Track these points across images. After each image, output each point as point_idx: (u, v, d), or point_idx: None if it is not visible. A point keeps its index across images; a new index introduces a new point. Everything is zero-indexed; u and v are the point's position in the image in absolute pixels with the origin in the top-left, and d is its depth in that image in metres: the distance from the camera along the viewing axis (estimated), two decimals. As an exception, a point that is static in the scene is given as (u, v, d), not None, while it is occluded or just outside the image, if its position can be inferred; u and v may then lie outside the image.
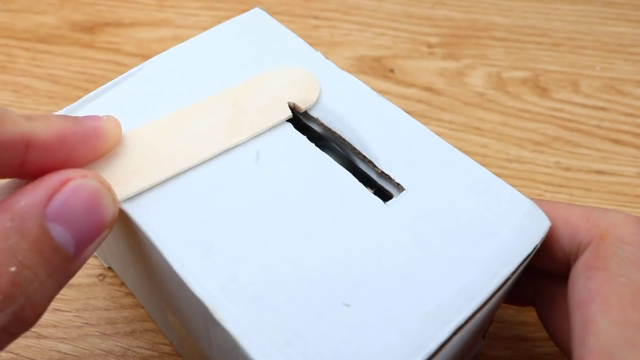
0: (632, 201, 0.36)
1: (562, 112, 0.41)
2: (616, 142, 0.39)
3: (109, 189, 0.19)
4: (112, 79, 0.25)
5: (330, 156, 0.23)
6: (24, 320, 0.17)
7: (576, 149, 0.39)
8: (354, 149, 0.23)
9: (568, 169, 0.38)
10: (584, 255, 0.21)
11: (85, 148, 0.20)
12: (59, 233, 0.18)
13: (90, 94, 0.24)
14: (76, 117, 0.20)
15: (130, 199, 0.21)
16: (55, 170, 0.19)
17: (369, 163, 0.23)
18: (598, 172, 0.38)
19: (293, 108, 0.24)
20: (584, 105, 0.41)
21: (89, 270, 0.32)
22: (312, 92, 0.25)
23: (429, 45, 0.45)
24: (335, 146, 0.24)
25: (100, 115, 0.21)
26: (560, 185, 0.37)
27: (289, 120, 0.24)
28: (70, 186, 0.18)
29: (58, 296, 0.30)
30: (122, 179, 0.21)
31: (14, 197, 0.18)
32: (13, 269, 0.17)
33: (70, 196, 0.18)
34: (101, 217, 0.19)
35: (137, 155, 0.22)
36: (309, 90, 0.25)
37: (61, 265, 0.18)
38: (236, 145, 0.23)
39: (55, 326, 0.30)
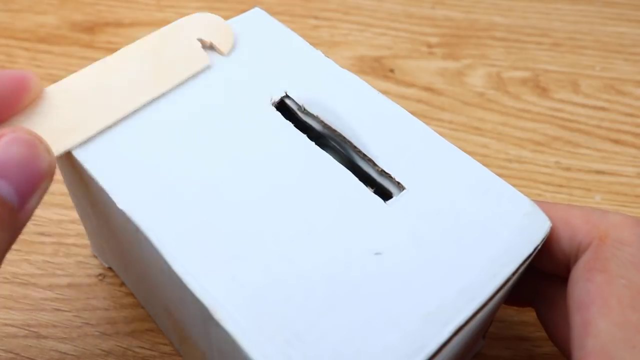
0: (632, 201, 0.36)
1: (562, 112, 0.41)
2: (616, 142, 0.39)
3: (40, 140, 0.20)
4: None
5: (330, 154, 0.23)
6: None
7: (576, 149, 0.39)
8: (354, 147, 0.23)
9: (568, 169, 0.38)
10: (584, 256, 0.21)
11: (10, 97, 0.21)
12: (2, 186, 0.18)
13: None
14: None
15: (129, 198, 0.21)
16: None
17: (369, 162, 0.23)
18: (598, 172, 0.38)
19: (290, 107, 0.24)
20: (584, 105, 0.41)
21: (89, 270, 0.32)
22: (228, 36, 0.26)
23: (429, 45, 0.45)
24: (335, 144, 0.24)
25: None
26: (560, 185, 0.37)
27: (288, 119, 0.24)
28: (3, 140, 0.19)
29: (58, 296, 0.30)
30: (56, 134, 0.22)
31: None
32: None
33: (5, 150, 0.19)
34: (38, 165, 0.19)
35: (67, 109, 0.23)
36: (224, 34, 0.26)
37: (7, 217, 0.18)
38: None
39: (55, 326, 0.30)
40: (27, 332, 0.29)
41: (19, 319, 0.29)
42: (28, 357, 0.28)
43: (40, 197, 0.20)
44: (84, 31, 0.44)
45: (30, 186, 0.19)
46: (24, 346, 0.29)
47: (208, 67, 0.25)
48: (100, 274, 0.32)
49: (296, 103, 0.25)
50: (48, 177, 0.20)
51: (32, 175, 0.19)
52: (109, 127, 0.23)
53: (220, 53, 0.26)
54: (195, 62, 0.25)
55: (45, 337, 0.29)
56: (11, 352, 0.29)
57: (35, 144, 0.19)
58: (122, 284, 0.31)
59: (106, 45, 0.43)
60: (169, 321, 0.26)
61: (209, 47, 0.26)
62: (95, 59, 0.41)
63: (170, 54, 0.25)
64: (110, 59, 0.24)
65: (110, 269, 0.32)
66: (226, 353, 0.20)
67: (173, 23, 0.26)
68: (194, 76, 0.25)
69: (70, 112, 0.23)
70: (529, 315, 0.31)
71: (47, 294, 0.30)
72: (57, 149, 0.22)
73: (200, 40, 0.25)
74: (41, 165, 0.19)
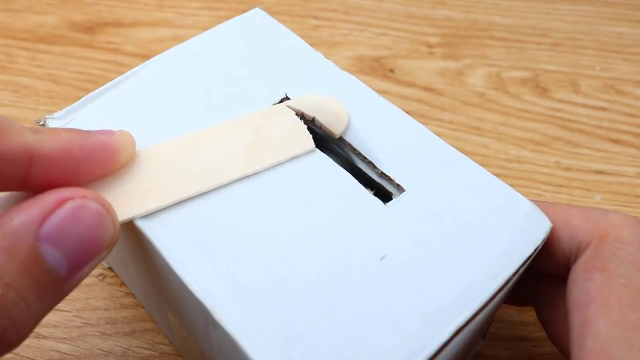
0: (632, 201, 0.36)
1: (562, 112, 0.41)
2: (616, 142, 0.39)
3: (109, 211, 0.18)
4: (112, 79, 0.25)
5: (330, 157, 0.23)
6: (6, 341, 0.17)
7: (576, 149, 0.39)
8: (354, 149, 0.23)
9: (568, 169, 0.38)
10: (584, 256, 0.21)
11: (94, 163, 0.20)
12: (52, 254, 0.17)
13: (91, 94, 0.24)
14: (86, 131, 0.20)
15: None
16: (62, 185, 0.19)
17: (369, 164, 0.23)
18: (598, 172, 0.38)
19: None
20: (584, 105, 0.41)
21: (89, 270, 0.32)
22: (341, 122, 0.24)
23: (429, 45, 0.45)
24: (335, 147, 0.24)
25: (114, 130, 0.21)
26: (560, 185, 0.37)
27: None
28: (68, 207, 0.17)
29: (58, 296, 0.30)
30: (130, 198, 0.21)
31: (9, 215, 0.17)
32: None
33: (67, 217, 0.17)
34: (98, 240, 0.18)
35: (149, 175, 0.21)
36: (338, 119, 0.24)
37: (51, 287, 0.17)
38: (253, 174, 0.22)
39: (55, 326, 0.30)
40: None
41: (19, 319, 0.29)
42: (28, 357, 0.29)
43: (94, 267, 0.19)
44: (83, 31, 0.44)
45: (84, 258, 0.18)
46: (23, 346, 0.29)
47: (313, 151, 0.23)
48: (100, 274, 0.32)
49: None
50: (107, 250, 0.18)
51: (90, 248, 0.18)
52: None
53: (332, 135, 0.24)
54: (298, 144, 0.23)
55: (45, 337, 0.29)
56: (11, 352, 0.29)
57: (102, 215, 0.18)
58: (122, 284, 0.31)
59: (106, 45, 0.43)
60: (170, 321, 0.26)
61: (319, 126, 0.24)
62: (95, 59, 0.41)
63: (272, 133, 0.23)
64: (208, 130, 0.23)
65: (110, 269, 0.32)
66: (226, 353, 0.20)
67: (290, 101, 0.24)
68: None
69: (152, 179, 0.21)
70: (528, 315, 0.31)
71: (47, 294, 0.30)
72: (127, 215, 0.20)
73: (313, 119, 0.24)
74: (101, 239, 0.18)
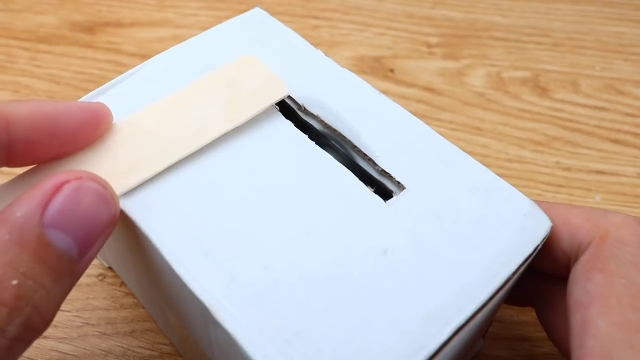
0: (632, 201, 0.36)
1: (562, 112, 0.41)
2: (616, 142, 0.39)
3: (106, 187, 0.19)
4: (112, 79, 0.25)
5: (331, 154, 0.23)
6: (34, 327, 0.17)
7: (576, 149, 0.39)
8: (355, 146, 0.23)
9: (568, 169, 0.38)
10: (584, 256, 0.21)
11: (72, 123, 0.20)
12: (60, 239, 0.18)
13: (90, 94, 0.24)
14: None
15: (128, 198, 0.21)
16: (46, 152, 0.20)
17: (370, 161, 0.23)
18: (598, 172, 0.38)
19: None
20: (584, 105, 0.41)
21: (89, 270, 0.32)
22: (272, 81, 0.24)
23: (429, 45, 0.45)
24: (335, 144, 0.24)
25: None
26: (560, 185, 0.37)
27: (289, 119, 0.24)
28: (66, 190, 0.18)
29: (58, 296, 0.30)
30: (122, 171, 0.21)
31: (10, 208, 0.17)
32: (15, 282, 0.16)
33: (67, 200, 0.18)
34: (101, 217, 0.19)
35: (135, 145, 0.22)
36: (267, 80, 0.24)
37: (66, 269, 0.18)
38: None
39: (55, 326, 0.30)
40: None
41: (19, 319, 0.29)
42: (28, 357, 0.28)
43: (103, 244, 0.19)
44: (83, 31, 0.44)
45: (91, 237, 0.18)
46: (23, 346, 0.29)
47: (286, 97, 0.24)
48: (100, 274, 0.32)
49: (296, 103, 0.25)
50: (111, 225, 0.19)
51: (95, 227, 0.18)
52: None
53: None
54: (273, 93, 0.24)
55: (45, 337, 0.29)
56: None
57: (100, 192, 0.19)
58: (122, 284, 0.31)
59: (106, 45, 0.43)
60: (170, 321, 0.26)
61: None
62: (95, 59, 0.41)
63: (246, 86, 0.24)
64: (182, 92, 0.24)
65: (110, 269, 0.32)
66: (226, 352, 0.20)
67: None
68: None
69: (139, 149, 0.22)
70: (528, 315, 0.31)
71: (47, 294, 0.30)
72: (123, 188, 0.21)
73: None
74: (104, 216, 0.19)
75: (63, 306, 0.30)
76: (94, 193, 0.18)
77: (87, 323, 0.30)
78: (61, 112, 0.20)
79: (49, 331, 0.29)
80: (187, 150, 0.22)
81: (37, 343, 0.29)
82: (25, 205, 0.17)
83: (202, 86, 0.24)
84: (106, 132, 0.22)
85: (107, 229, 0.19)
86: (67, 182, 0.18)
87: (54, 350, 0.29)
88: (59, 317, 0.30)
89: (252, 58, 0.25)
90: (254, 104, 0.23)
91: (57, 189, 0.18)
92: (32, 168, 0.21)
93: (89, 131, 0.21)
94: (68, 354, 0.29)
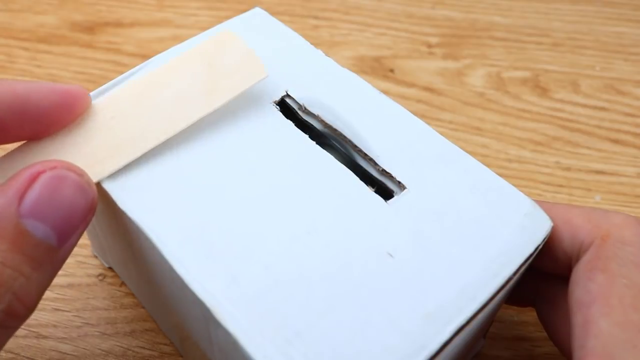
0: (632, 201, 0.36)
1: (562, 112, 0.41)
2: (616, 142, 0.39)
3: (81, 175, 0.19)
4: (112, 79, 0.25)
5: (331, 154, 0.23)
6: (16, 314, 0.18)
7: (576, 149, 0.39)
8: (355, 146, 0.23)
9: (568, 169, 0.38)
10: (585, 256, 0.21)
11: (43, 103, 0.21)
12: (37, 228, 0.18)
13: (90, 94, 0.24)
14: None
15: (129, 198, 0.21)
16: (17, 132, 0.20)
17: (370, 161, 0.23)
18: (598, 172, 0.38)
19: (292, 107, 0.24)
20: (584, 105, 0.41)
21: (89, 270, 0.32)
22: (251, 61, 0.24)
23: (429, 45, 0.45)
24: (336, 144, 0.24)
25: None
26: (560, 185, 0.37)
27: (289, 119, 0.24)
28: (41, 180, 0.18)
29: (58, 296, 0.30)
30: (101, 156, 0.21)
31: None
32: None
33: (42, 190, 0.18)
34: (78, 205, 0.19)
35: (114, 128, 0.22)
36: (245, 59, 0.24)
37: (45, 257, 0.18)
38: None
39: (55, 326, 0.29)
40: (27, 332, 0.29)
41: (19, 319, 0.29)
42: (28, 357, 0.28)
43: (84, 230, 0.19)
44: (83, 31, 0.44)
45: (70, 226, 0.19)
46: (23, 346, 0.29)
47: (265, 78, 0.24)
48: (100, 274, 0.32)
49: (297, 102, 0.25)
50: (90, 212, 0.19)
51: (73, 215, 0.19)
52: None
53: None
54: (252, 74, 0.24)
55: (45, 337, 0.29)
56: (11, 352, 0.29)
57: (76, 180, 0.19)
58: (122, 284, 0.31)
59: (106, 45, 0.43)
60: (170, 321, 0.26)
61: None
62: (95, 59, 0.41)
63: (224, 65, 0.24)
64: (161, 70, 0.23)
65: (110, 269, 0.32)
66: (227, 352, 0.20)
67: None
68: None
69: (118, 132, 0.22)
70: (529, 315, 0.31)
71: (47, 294, 0.30)
72: (102, 174, 0.21)
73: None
74: (82, 203, 0.19)
75: (63, 306, 0.30)
76: (69, 182, 0.19)
77: (87, 323, 0.30)
78: (32, 91, 0.20)
79: (49, 331, 0.29)
80: (166, 134, 0.22)
81: (37, 343, 0.29)
82: (2, 196, 0.18)
83: (180, 64, 0.24)
84: (83, 114, 0.22)
85: (86, 216, 0.19)
86: (42, 172, 0.18)
87: (54, 350, 0.29)
88: (59, 317, 0.30)
89: (230, 34, 0.24)
90: (232, 86, 0.23)
91: (33, 179, 0.18)
92: (8, 153, 0.22)
93: (62, 113, 0.21)
94: (68, 354, 0.29)
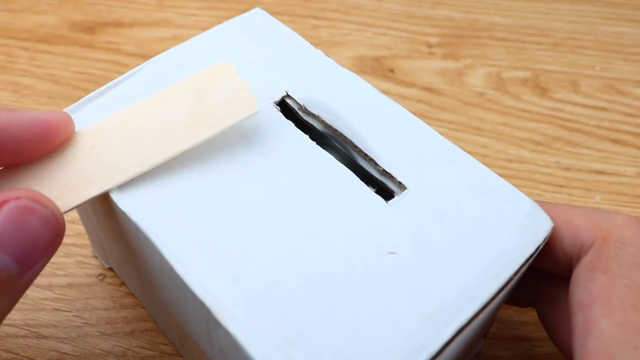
0: (632, 201, 0.36)
1: (562, 112, 0.41)
2: (616, 142, 0.39)
3: (46, 206, 0.19)
4: (112, 79, 0.25)
5: (332, 154, 0.23)
6: None
7: (576, 149, 0.39)
8: (356, 146, 0.23)
9: (568, 169, 0.38)
10: (586, 256, 0.21)
11: (22, 136, 0.20)
12: None
13: (91, 94, 0.24)
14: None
15: (130, 199, 0.21)
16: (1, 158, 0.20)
17: (371, 161, 0.23)
18: (598, 172, 0.38)
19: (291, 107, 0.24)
20: (584, 105, 0.41)
21: (89, 270, 0.32)
22: (244, 98, 0.23)
23: (429, 45, 0.45)
24: (336, 144, 0.24)
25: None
26: (560, 185, 0.37)
27: (289, 119, 0.24)
28: (4, 210, 0.18)
29: (58, 296, 0.30)
30: (75, 185, 0.21)
31: None
32: None
33: (4, 221, 0.18)
34: (41, 236, 0.19)
35: (92, 158, 0.21)
36: (238, 94, 0.23)
37: (5, 286, 0.18)
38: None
39: (55, 326, 0.29)
40: (26, 332, 0.29)
41: (18, 319, 0.29)
42: (28, 357, 0.28)
43: (48, 260, 0.19)
44: (83, 31, 0.44)
45: (33, 257, 0.18)
46: (23, 346, 0.29)
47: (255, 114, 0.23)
48: (100, 274, 0.31)
49: (297, 103, 0.25)
50: (54, 244, 0.19)
51: (35, 247, 0.18)
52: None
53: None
54: (240, 109, 0.23)
55: (45, 337, 0.29)
56: (11, 352, 0.29)
57: (41, 213, 0.19)
58: (122, 284, 0.31)
59: (106, 45, 0.43)
60: (170, 321, 0.26)
61: None
62: (95, 59, 0.41)
63: (213, 99, 0.23)
64: (149, 100, 0.23)
65: (110, 269, 0.32)
66: (227, 353, 0.20)
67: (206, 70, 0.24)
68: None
69: (97, 161, 0.21)
70: (529, 315, 0.31)
71: (47, 294, 0.30)
72: (73, 202, 0.21)
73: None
74: (46, 236, 0.19)
75: (63, 306, 0.30)
76: (34, 213, 0.18)
77: (87, 323, 0.30)
78: (12, 122, 0.20)
79: (49, 331, 0.29)
80: (144, 166, 0.22)
81: (37, 343, 0.29)
82: None
83: (169, 95, 0.23)
84: (66, 141, 0.22)
85: (50, 247, 0.19)
86: (6, 201, 0.18)
87: (53, 350, 0.29)
88: (59, 317, 0.30)
89: (227, 66, 0.23)
90: (218, 120, 0.22)
91: None
92: None
93: (42, 143, 0.21)
94: (68, 354, 0.29)
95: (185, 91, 0.23)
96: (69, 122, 0.22)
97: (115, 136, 0.22)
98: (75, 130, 0.22)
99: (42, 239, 0.19)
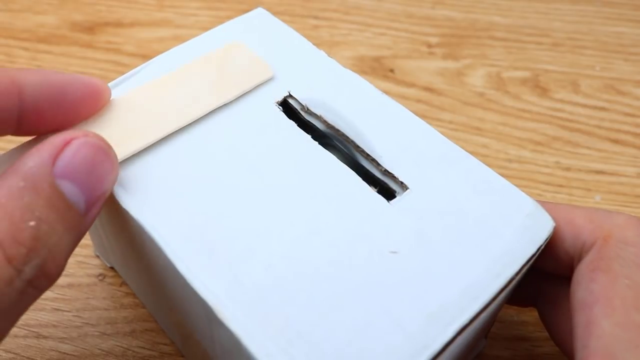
0: (632, 201, 0.36)
1: (562, 112, 0.41)
2: (616, 142, 0.39)
3: (109, 146, 0.20)
4: (112, 79, 0.25)
5: (334, 154, 0.23)
6: (48, 273, 0.18)
7: (576, 149, 0.39)
8: (358, 147, 0.23)
9: (568, 169, 0.38)
10: (588, 256, 0.21)
11: (76, 94, 0.21)
12: (69, 190, 0.18)
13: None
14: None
15: (132, 197, 0.21)
16: (51, 122, 0.21)
17: (373, 161, 0.23)
18: (598, 172, 0.38)
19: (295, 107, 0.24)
20: (584, 105, 0.41)
21: (89, 270, 0.31)
22: (258, 64, 0.26)
23: (429, 45, 0.45)
24: (338, 144, 0.24)
25: None
26: (560, 185, 0.37)
27: (292, 119, 0.24)
28: (74, 144, 0.19)
29: (58, 296, 0.30)
30: (119, 141, 0.22)
31: (22, 160, 0.18)
32: (32, 223, 0.17)
33: (76, 153, 0.18)
34: (106, 172, 0.19)
35: (130, 118, 0.23)
36: (252, 63, 0.26)
37: (75, 221, 0.18)
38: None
39: (55, 326, 0.29)
40: (27, 332, 0.29)
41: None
42: (28, 357, 0.28)
43: (102, 205, 0.20)
44: (83, 31, 0.44)
45: (97, 192, 0.19)
46: (23, 346, 0.29)
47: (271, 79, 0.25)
48: (100, 274, 0.31)
49: (299, 103, 0.25)
50: (112, 184, 0.20)
51: (101, 182, 0.19)
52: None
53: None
54: (258, 74, 0.25)
55: (45, 337, 0.29)
56: (11, 352, 0.28)
57: (105, 149, 0.19)
58: (122, 284, 0.31)
59: (106, 45, 0.43)
60: (172, 319, 0.26)
61: None
62: (95, 59, 0.41)
63: (232, 68, 0.25)
64: (172, 74, 0.25)
65: (111, 268, 0.32)
66: (229, 352, 0.20)
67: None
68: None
69: (134, 121, 0.23)
70: (529, 315, 0.31)
71: (47, 294, 0.30)
72: (120, 155, 0.22)
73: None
74: (108, 172, 0.20)
75: (63, 306, 0.30)
76: (100, 150, 0.19)
77: (87, 323, 0.30)
78: (68, 83, 0.21)
79: (49, 331, 0.29)
80: (177, 124, 0.23)
81: (37, 343, 0.29)
82: (37, 156, 0.18)
83: (192, 68, 0.25)
84: (103, 107, 0.23)
85: (110, 186, 0.20)
86: (75, 137, 0.19)
87: (53, 350, 0.29)
88: (59, 317, 0.30)
89: (239, 44, 0.26)
90: (241, 83, 0.25)
91: (67, 142, 0.18)
92: (32, 139, 0.22)
93: (91, 104, 0.22)
94: (68, 354, 0.29)
95: (205, 64, 0.25)
96: (107, 87, 0.23)
97: (148, 102, 0.23)
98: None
99: (106, 177, 0.19)
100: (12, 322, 0.18)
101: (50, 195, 0.18)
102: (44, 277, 0.18)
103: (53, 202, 0.18)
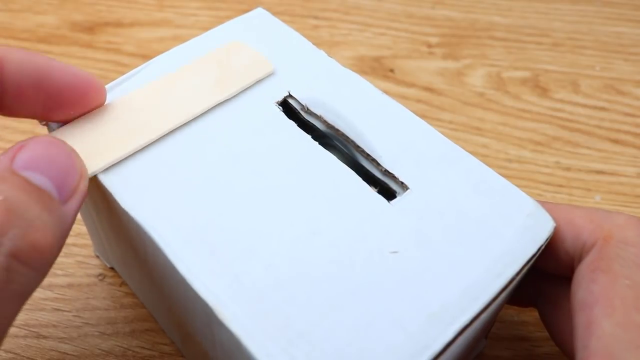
0: (632, 201, 0.36)
1: (562, 112, 0.41)
2: (616, 142, 0.39)
3: (63, 141, 0.20)
4: (112, 79, 0.25)
5: (334, 154, 0.23)
6: (35, 244, 0.17)
7: (576, 149, 0.39)
8: (358, 147, 0.23)
9: (568, 169, 0.38)
10: (588, 256, 0.21)
11: (61, 80, 0.21)
12: (35, 177, 0.18)
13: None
14: None
15: (132, 198, 0.21)
16: (33, 105, 0.21)
17: (373, 161, 0.23)
18: (598, 172, 0.38)
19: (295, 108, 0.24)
20: (584, 105, 0.41)
21: (89, 270, 0.31)
22: (258, 60, 0.26)
23: (429, 45, 0.45)
24: (338, 144, 0.24)
25: None
26: (560, 185, 0.37)
27: (292, 119, 0.24)
28: (29, 143, 0.18)
29: (58, 296, 0.30)
30: (119, 141, 0.22)
31: None
32: (0, 198, 0.17)
33: (33, 148, 0.18)
34: (74, 163, 0.19)
35: (130, 117, 0.23)
36: (254, 60, 0.26)
37: (49, 203, 0.18)
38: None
39: (55, 326, 0.29)
40: (27, 332, 0.29)
41: (18, 319, 0.29)
42: (28, 357, 0.28)
43: (81, 202, 0.19)
44: (83, 31, 0.44)
45: (66, 182, 0.19)
46: (23, 346, 0.29)
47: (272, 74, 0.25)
48: (100, 274, 0.31)
49: (299, 103, 0.25)
50: (85, 178, 0.20)
51: (68, 170, 0.19)
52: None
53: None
54: (259, 70, 0.25)
55: (45, 337, 0.29)
56: (11, 352, 0.28)
57: (60, 144, 0.19)
58: (122, 284, 0.31)
59: (106, 45, 0.43)
60: (172, 319, 0.26)
61: None
62: (95, 59, 0.41)
63: (234, 66, 0.25)
64: (175, 73, 0.25)
65: (111, 268, 0.32)
66: (229, 352, 0.20)
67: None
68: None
69: (130, 122, 0.23)
70: (529, 315, 0.31)
71: (47, 294, 0.30)
72: (115, 155, 0.22)
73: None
74: (76, 163, 0.19)
75: (63, 306, 0.30)
76: (52, 142, 0.19)
77: (87, 323, 0.30)
78: (53, 67, 0.21)
79: (49, 331, 0.29)
80: (178, 120, 0.23)
81: (37, 343, 0.29)
82: (2, 156, 0.18)
83: (193, 67, 0.25)
84: (97, 105, 0.23)
85: (82, 178, 0.19)
86: (39, 138, 0.19)
87: (53, 350, 0.29)
88: (59, 317, 0.30)
89: (239, 43, 0.26)
90: (242, 79, 0.25)
91: (23, 146, 0.18)
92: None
93: (78, 96, 0.22)
94: (68, 354, 0.29)
95: (207, 63, 0.25)
96: (102, 85, 0.23)
97: (148, 101, 0.24)
98: (105, 103, 0.23)
99: (72, 169, 0.19)
100: (10, 309, 0.17)
101: (14, 180, 0.17)
102: (31, 248, 0.17)
103: (19, 184, 0.17)
